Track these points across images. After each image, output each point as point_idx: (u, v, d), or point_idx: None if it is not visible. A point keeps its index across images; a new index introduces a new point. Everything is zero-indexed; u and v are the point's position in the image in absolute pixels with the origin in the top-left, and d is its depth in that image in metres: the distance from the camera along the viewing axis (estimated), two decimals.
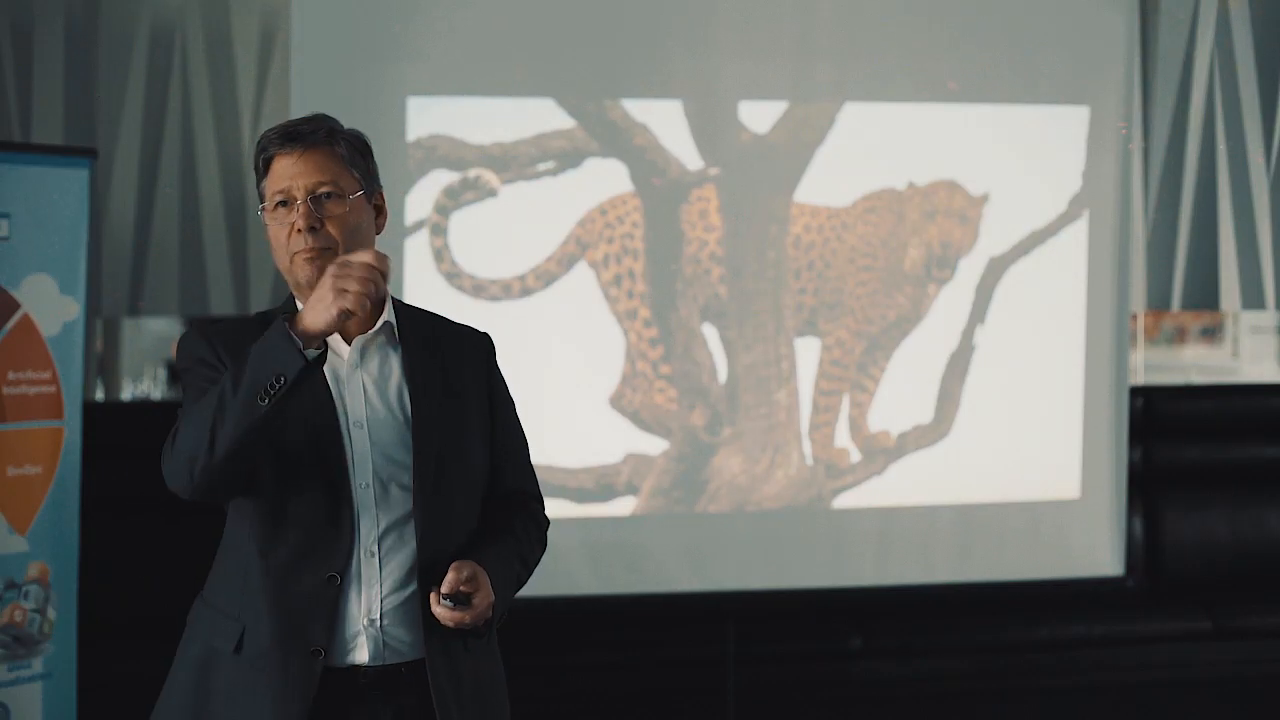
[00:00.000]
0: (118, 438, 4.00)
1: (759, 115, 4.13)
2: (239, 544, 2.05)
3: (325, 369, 2.00)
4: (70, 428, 3.46)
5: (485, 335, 2.22)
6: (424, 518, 2.02)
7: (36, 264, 3.39)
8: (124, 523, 4.13)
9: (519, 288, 4.02)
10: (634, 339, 4.10)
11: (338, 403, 2.03)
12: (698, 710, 4.27)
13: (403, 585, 2.03)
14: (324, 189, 2.02)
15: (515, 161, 3.99)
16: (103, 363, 5.04)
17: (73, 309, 3.48)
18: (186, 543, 4.18)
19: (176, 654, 2.10)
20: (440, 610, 1.97)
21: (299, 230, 2.01)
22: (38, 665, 3.37)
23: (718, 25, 4.09)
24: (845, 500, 4.23)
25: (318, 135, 2.04)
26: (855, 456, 4.24)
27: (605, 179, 4.07)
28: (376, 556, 2.01)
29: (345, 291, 1.86)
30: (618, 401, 4.09)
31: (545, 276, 4.05)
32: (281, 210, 2.03)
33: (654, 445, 4.13)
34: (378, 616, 2.01)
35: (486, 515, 2.13)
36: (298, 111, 3.83)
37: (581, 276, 4.06)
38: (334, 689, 1.99)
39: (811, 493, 4.21)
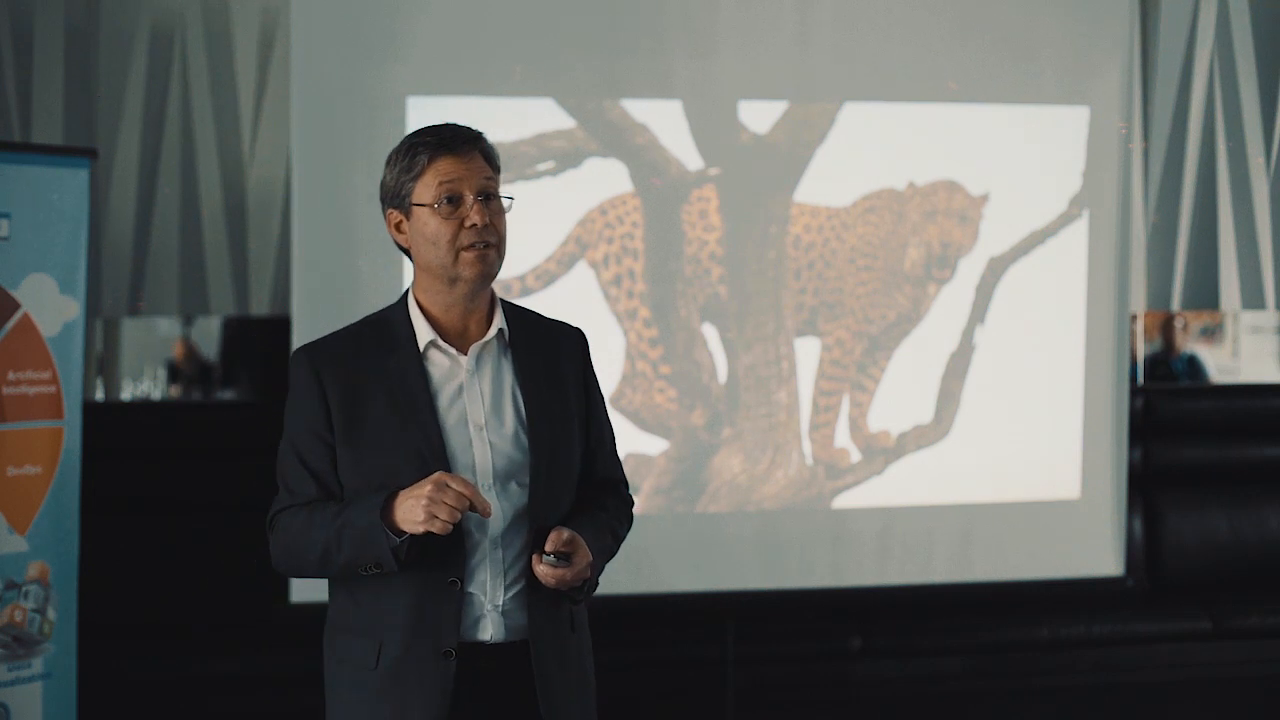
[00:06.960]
0: (118, 438, 3.99)
1: (759, 115, 4.13)
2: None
3: (446, 378, 2.18)
4: (70, 428, 3.45)
5: (580, 331, 2.36)
6: (537, 510, 2.17)
7: (36, 264, 3.39)
8: (124, 523, 4.12)
9: (519, 288, 4.02)
10: (634, 339, 4.10)
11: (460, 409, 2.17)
12: (698, 710, 4.27)
13: (522, 574, 2.17)
14: (490, 189, 2.17)
15: (515, 161, 3.99)
16: (103, 363, 5.03)
17: (73, 309, 3.48)
18: (186, 543, 4.21)
19: (326, 685, 2.23)
20: (542, 568, 2.11)
21: (472, 225, 2.14)
22: (38, 665, 3.37)
23: (718, 25, 4.09)
24: (845, 500, 4.23)
25: (479, 141, 2.19)
26: (855, 456, 4.24)
27: (605, 179, 4.07)
28: (500, 549, 2.16)
29: (435, 517, 2.02)
30: (618, 401, 4.09)
31: (545, 276, 4.05)
32: (447, 206, 2.14)
33: (654, 445, 4.13)
34: (500, 602, 2.16)
35: (581, 497, 2.27)
36: (298, 111, 3.89)
37: (581, 276, 4.06)
38: (460, 667, 2.12)
39: (811, 493, 4.21)
